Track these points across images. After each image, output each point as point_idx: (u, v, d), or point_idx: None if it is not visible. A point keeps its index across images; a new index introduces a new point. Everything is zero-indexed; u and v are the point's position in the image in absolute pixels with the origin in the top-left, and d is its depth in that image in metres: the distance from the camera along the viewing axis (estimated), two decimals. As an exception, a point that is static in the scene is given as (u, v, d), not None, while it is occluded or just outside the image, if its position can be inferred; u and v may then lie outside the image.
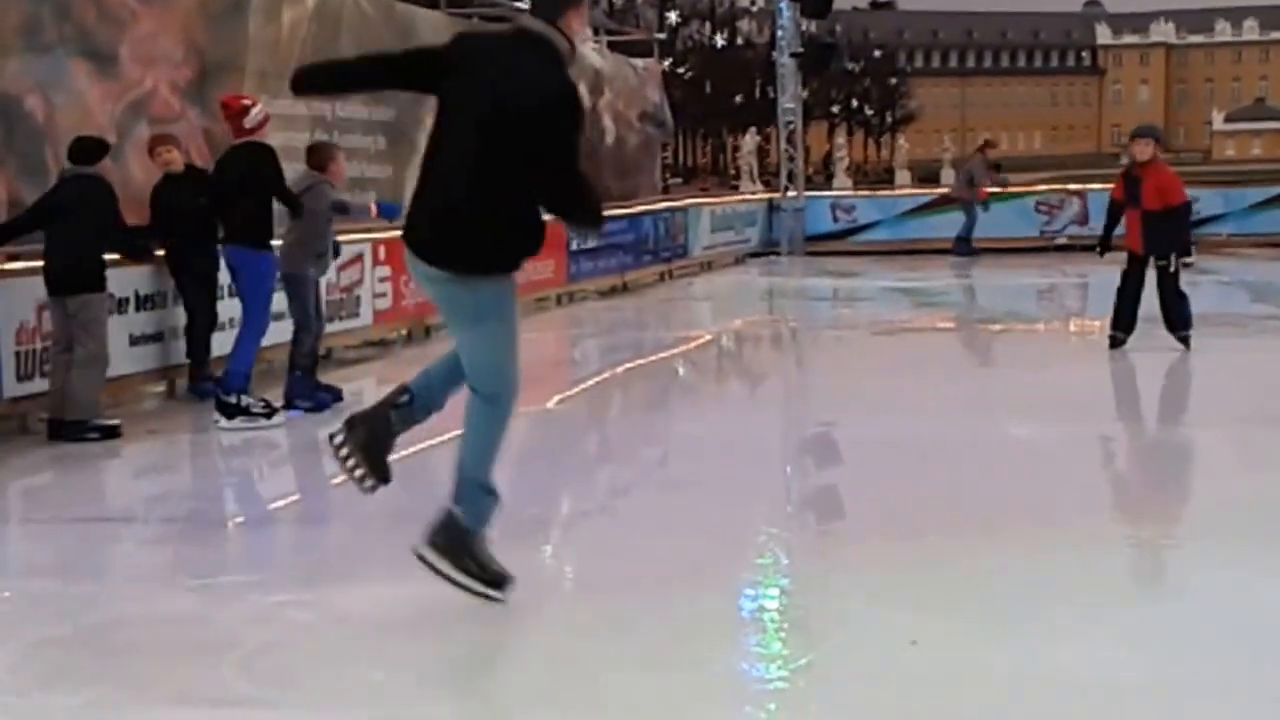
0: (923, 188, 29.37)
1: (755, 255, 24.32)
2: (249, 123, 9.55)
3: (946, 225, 23.40)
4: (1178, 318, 11.49)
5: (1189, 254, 11.58)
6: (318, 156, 10.11)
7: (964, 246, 22.48)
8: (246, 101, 9.89)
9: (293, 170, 10.18)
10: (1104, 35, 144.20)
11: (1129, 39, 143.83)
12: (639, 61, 24.31)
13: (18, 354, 9.03)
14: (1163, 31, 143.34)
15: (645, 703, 4.39)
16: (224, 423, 9.23)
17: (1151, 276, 11.43)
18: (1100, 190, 23.52)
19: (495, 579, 5.13)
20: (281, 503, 8.05)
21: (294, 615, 5.36)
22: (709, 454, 8.51)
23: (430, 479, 8.59)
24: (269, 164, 9.47)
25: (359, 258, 12.86)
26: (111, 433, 9.00)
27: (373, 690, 4.66)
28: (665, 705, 4.37)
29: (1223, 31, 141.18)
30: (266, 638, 5.11)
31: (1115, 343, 11.55)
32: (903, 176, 34.47)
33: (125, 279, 10.01)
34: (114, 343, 9.75)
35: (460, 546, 5.10)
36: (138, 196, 11.21)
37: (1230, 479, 7.80)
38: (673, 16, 61.84)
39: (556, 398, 10.87)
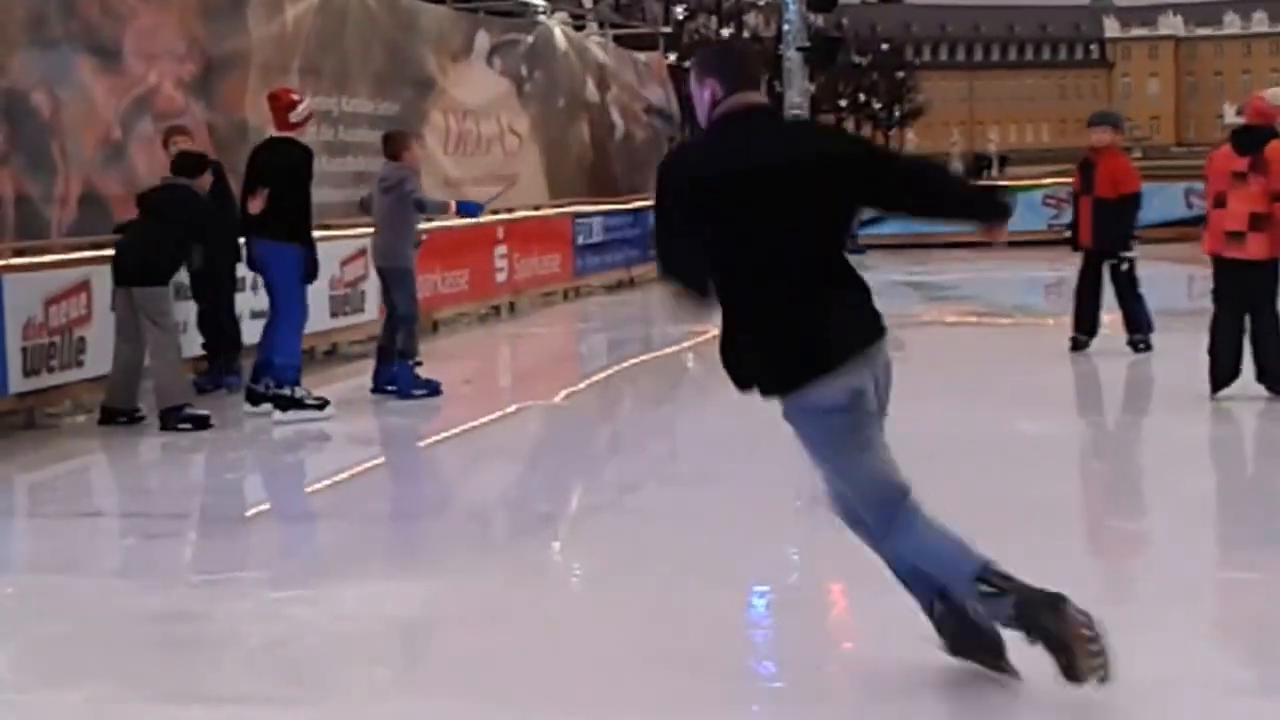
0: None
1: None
2: (294, 117, 9.55)
3: (955, 219, 23.30)
4: (1133, 320, 11.03)
5: (1129, 248, 10.92)
6: (396, 145, 10.13)
7: (852, 244, 22.62)
8: (295, 96, 9.89)
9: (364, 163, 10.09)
10: (1112, 28, 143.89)
11: (1137, 32, 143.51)
12: (641, 56, 24.28)
13: (24, 349, 9.01)
14: (1171, 24, 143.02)
15: (654, 699, 4.35)
16: (278, 415, 9.28)
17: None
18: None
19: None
20: (286, 499, 8.02)
21: (298, 612, 5.32)
22: (718, 449, 8.46)
23: (436, 474, 8.60)
24: (305, 163, 9.42)
25: (363, 252, 12.82)
26: (203, 423, 9.07)
27: (376, 687, 4.63)
28: (674, 702, 4.33)
29: (1231, 24, 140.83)
30: (270, 634, 5.08)
31: (1077, 345, 11.08)
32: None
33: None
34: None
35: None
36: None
37: (1251, 471, 7.77)
38: (679, 10, 61.73)
39: (564, 392, 10.84)
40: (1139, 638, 4.86)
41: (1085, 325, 11.07)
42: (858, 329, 4.30)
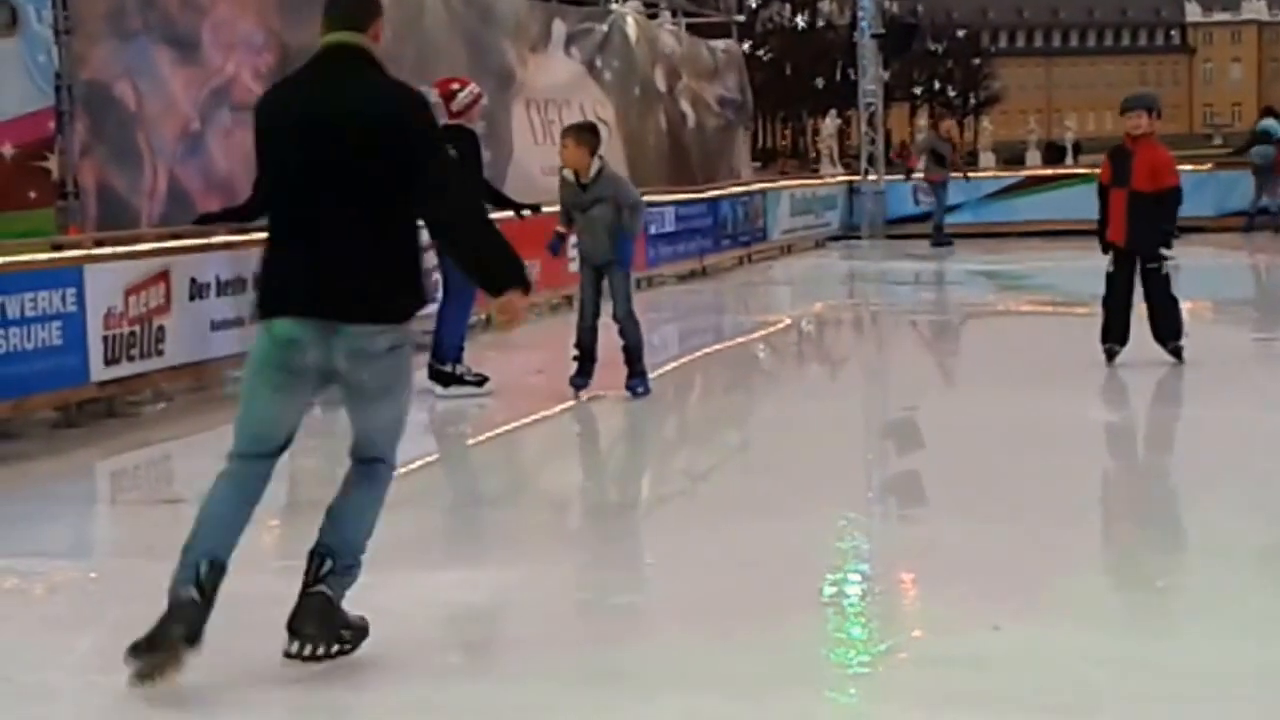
0: (1007, 170, 29.09)
1: (835, 239, 24.19)
2: (455, 106, 9.65)
3: (1031, 208, 23.16)
4: (1166, 326, 10.01)
5: (1169, 245, 9.99)
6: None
7: (942, 235, 22.00)
8: (455, 86, 9.93)
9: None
10: (1194, 13, 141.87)
11: (1220, 16, 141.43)
12: (719, 43, 24.22)
13: (105, 339, 9.15)
14: (1254, 9, 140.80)
15: (724, 685, 4.37)
16: (439, 390, 9.54)
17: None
18: (1191, 171, 23.17)
19: (364, 630, 4.67)
20: (363, 485, 8.09)
21: (372, 598, 5.37)
22: (789, 438, 8.46)
23: (508, 463, 8.65)
24: (470, 149, 9.46)
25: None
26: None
27: (448, 672, 4.68)
28: (745, 688, 4.35)
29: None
30: (347, 619, 5.13)
31: (1110, 356, 10.07)
32: (986, 159, 34.16)
33: (206, 264, 10.11)
34: (195, 328, 9.89)
35: (334, 623, 4.59)
36: (219, 183, 11.33)
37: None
38: (753, -2, 61.74)
39: (636, 381, 10.84)
40: (1230, 626, 4.82)
41: (1117, 333, 10.07)
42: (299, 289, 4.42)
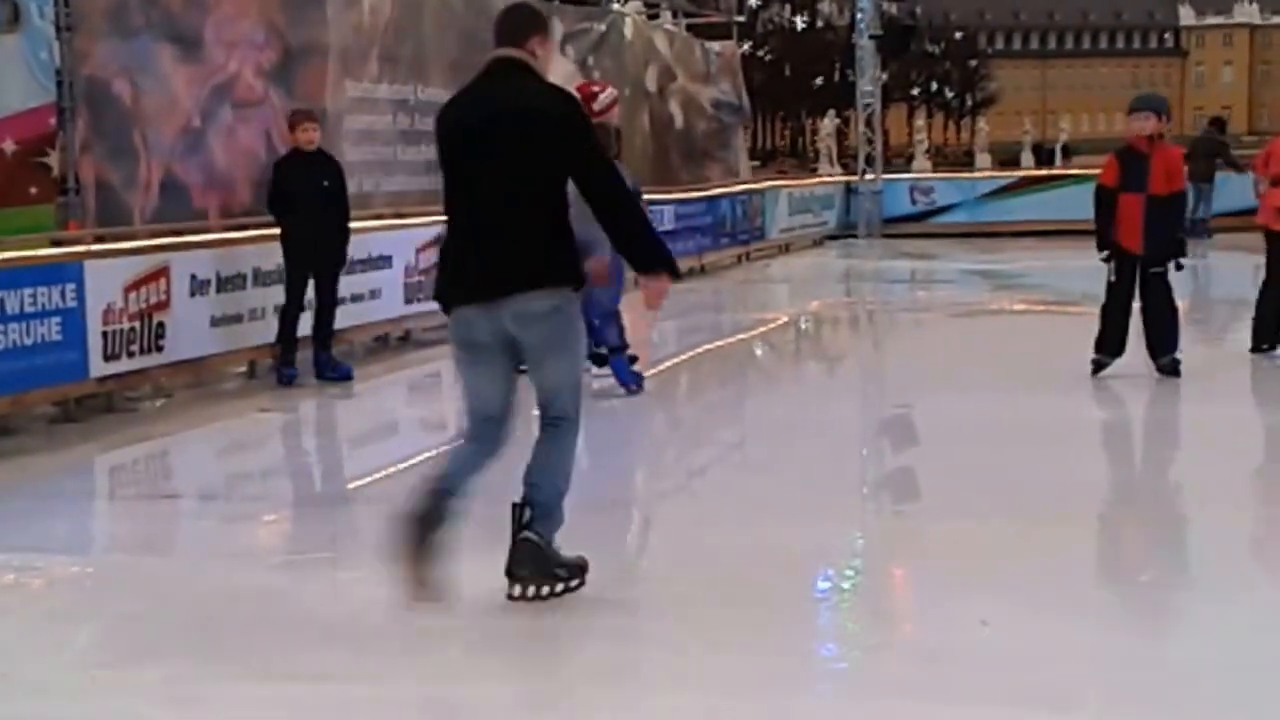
0: (1003, 170, 29.13)
1: (833, 238, 24.24)
2: (598, 106, 9.75)
3: (1026, 208, 23.19)
4: (1167, 337, 9.56)
5: (1184, 254, 9.55)
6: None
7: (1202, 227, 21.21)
8: (595, 89, 10.11)
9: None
10: (1187, 16, 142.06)
11: (1212, 20, 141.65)
12: (715, 45, 24.24)
13: (104, 334, 9.18)
14: (1246, 12, 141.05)
15: (717, 681, 4.41)
16: (595, 370, 9.72)
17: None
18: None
19: (581, 567, 5.15)
20: (361, 481, 8.13)
21: (371, 592, 5.41)
22: (785, 435, 8.50)
23: (507, 459, 8.67)
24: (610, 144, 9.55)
25: (439, 239, 12.90)
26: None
27: (448, 666, 4.71)
28: (737, 684, 4.38)
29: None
30: (344, 613, 5.17)
31: (1099, 367, 9.67)
32: (983, 159, 34.19)
33: (205, 261, 10.15)
34: (194, 324, 9.93)
35: (548, 564, 5.08)
36: (220, 180, 11.36)
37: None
38: (752, -1, 61.73)
39: (633, 379, 10.88)
40: (1215, 622, 4.87)
41: (1114, 344, 9.65)
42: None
